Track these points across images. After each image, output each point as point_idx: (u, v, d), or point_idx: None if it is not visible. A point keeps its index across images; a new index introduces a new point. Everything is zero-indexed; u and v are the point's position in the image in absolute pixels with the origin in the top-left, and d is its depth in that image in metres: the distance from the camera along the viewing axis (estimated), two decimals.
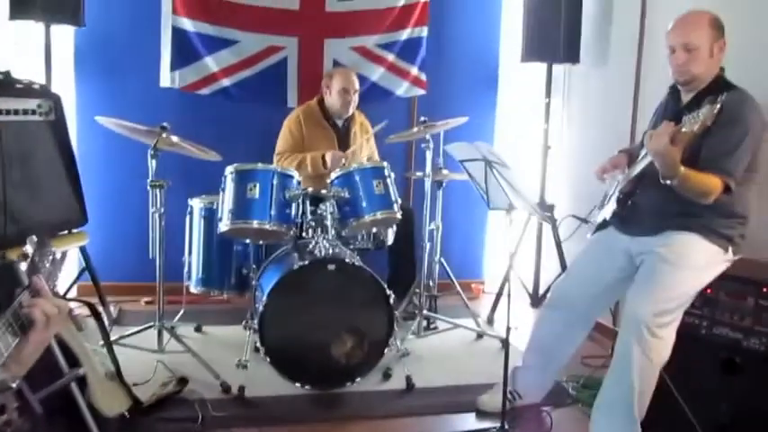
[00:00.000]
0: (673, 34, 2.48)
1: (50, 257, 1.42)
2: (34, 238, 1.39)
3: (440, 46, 4.60)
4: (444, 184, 3.74)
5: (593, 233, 2.79)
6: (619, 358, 2.39)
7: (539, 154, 4.30)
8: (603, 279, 2.67)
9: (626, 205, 2.62)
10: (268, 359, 2.86)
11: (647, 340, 2.31)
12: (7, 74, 2.63)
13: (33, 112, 2.67)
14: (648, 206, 2.54)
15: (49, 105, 2.76)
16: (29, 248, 1.35)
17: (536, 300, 4.29)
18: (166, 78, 4.14)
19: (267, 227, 2.99)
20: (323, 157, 3.76)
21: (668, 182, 2.28)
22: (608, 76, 4.05)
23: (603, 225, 2.73)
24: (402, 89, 4.49)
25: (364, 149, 4.10)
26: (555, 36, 4.06)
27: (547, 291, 4.04)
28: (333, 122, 4.04)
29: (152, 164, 3.05)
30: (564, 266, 3.87)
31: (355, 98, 4.01)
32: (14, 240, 2.11)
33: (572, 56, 4.12)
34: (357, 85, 4.02)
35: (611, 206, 2.69)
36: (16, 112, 2.54)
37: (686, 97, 2.54)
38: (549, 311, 2.80)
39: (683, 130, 2.16)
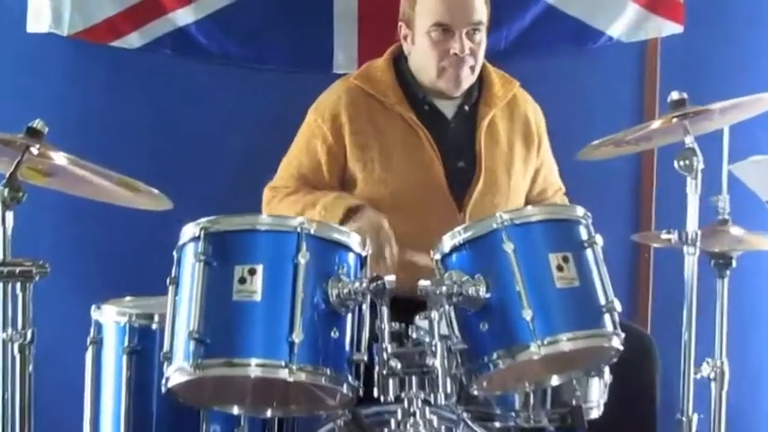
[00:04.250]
0: None
1: None
2: None
3: None
4: (734, 264, 3.06)
5: None
6: None
7: None
8: None
9: None
10: None
11: None
12: None
13: None
14: None
15: None
16: None
17: None
18: (43, 17, 3.65)
19: (283, 374, 2.61)
20: (348, 211, 3.19)
21: None
22: None
23: None
24: (619, 24, 3.96)
25: (516, 178, 3.39)
26: None
27: None
28: (429, 105, 3.35)
29: (4, 219, 2.79)
30: None
31: (479, 47, 3.24)
32: None
33: None
34: (484, 14, 3.23)
35: None
36: None
37: None
38: None
39: None
